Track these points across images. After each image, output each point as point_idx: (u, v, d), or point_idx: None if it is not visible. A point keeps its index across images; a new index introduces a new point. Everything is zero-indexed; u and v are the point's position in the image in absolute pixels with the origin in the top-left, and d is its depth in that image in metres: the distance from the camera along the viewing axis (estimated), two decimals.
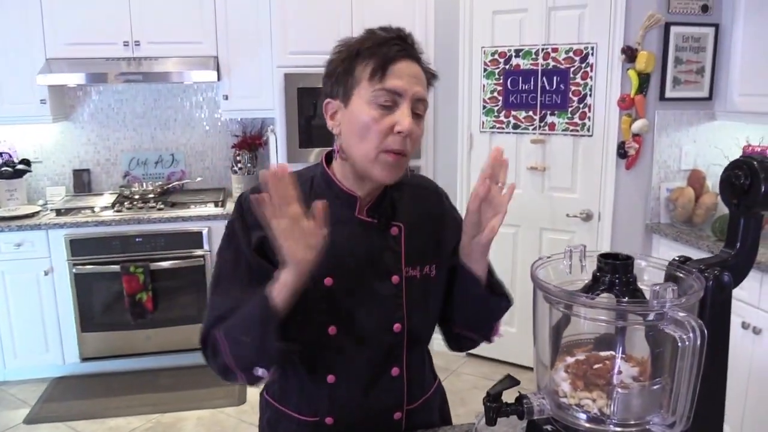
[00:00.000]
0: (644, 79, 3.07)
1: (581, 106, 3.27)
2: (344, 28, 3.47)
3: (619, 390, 0.87)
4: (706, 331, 0.79)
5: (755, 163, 0.94)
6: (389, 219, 1.22)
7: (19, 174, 3.73)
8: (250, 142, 4.09)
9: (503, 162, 1.08)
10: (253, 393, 3.35)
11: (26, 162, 3.79)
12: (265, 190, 0.96)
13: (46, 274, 3.45)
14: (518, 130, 3.50)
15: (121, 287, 3.49)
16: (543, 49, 3.33)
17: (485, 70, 3.54)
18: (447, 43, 3.62)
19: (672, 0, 3.02)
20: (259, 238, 1.15)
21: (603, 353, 0.91)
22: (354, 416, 1.25)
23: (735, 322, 2.61)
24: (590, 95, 3.24)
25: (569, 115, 3.32)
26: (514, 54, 3.43)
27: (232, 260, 1.19)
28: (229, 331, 1.11)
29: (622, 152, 3.17)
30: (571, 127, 3.32)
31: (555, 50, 3.29)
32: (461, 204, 3.61)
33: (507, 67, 3.46)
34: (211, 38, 3.71)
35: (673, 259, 0.99)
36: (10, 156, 3.77)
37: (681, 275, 0.94)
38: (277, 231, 0.99)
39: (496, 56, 3.48)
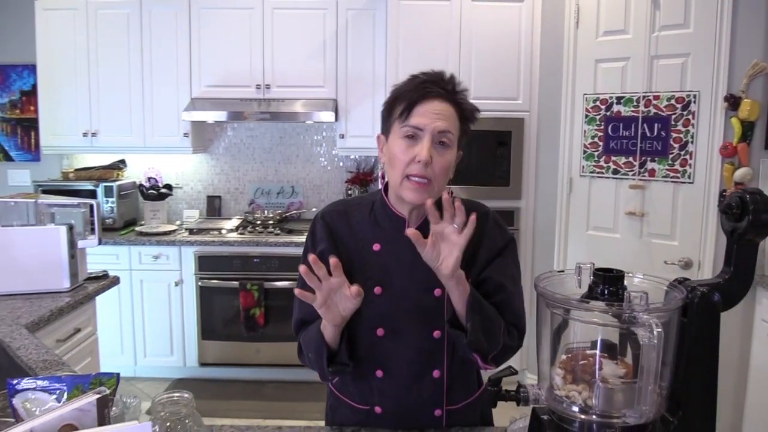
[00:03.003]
0: (748, 127, 3.03)
1: (682, 153, 3.26)
2: None
3: (601, 385, 1.00)
4: (662, 332, 0.91)
5: (747, 195, 1.05)
6: None
7: (162, 197, 4.30)
8: (363, 178, 4.41)
9: (455, 207, 1.20)
10: None
11: (169, 187, 4.36)
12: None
13: (176, 284, 3.93)
14: (618, 176, 3.53)
15: (237, 302, 3.89)
16: (644, 97, 3.37)
17: (587, 116, 3.63)
18: (550, 89, 3.76)
19: None
20: (320, 251, 1.42)
21: (590, 351, 1.04)
22: (398, 408, 1.43)
23: None
24: (692, 142, 3.23)
25: (670, 162, 3.32)
26: (615, 101, 3.50)
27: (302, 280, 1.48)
28: (303, 344, 1.43)
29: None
30: (672, 174, 3.31)
31: (656, 98, 3.33)
32: (560, 254, 3.69)
33: (608, 113, 3.53)
34: (332, 83, 4.11)
35: (675, 279, 1.11)
36: (156, 181, 4.36)
37: (672, 290, 1.06)
38: (316, 303, 1.24)
39: (598, 103, 3.57)
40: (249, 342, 3.97)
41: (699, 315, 1.03)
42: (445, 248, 1.22)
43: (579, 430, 1.04)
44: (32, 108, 4.44)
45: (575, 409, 1.04)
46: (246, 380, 4.05)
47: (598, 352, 1.01)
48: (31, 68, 4.35)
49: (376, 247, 1.40)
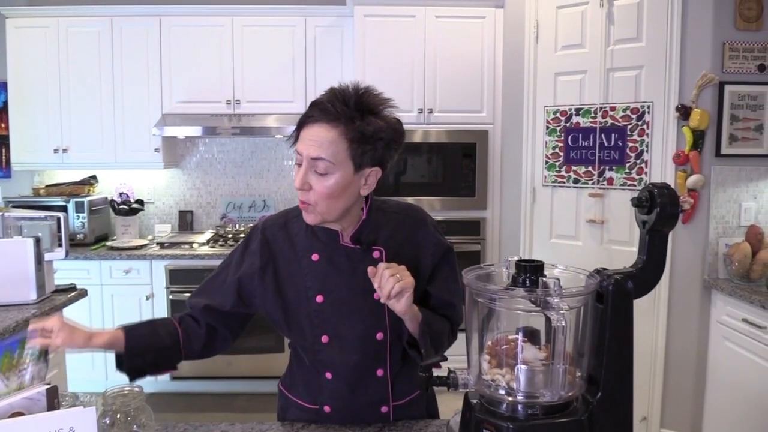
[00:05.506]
0: (699, 136, 3.16)
1: (638, 161, 3.38)
2: (417, 90, 3.82)
3: (522, 367, 1.07)
4: (569, 315, 0.99)
5: (656, 190, 1.14)
6: (370, 244, 1.43)
7: (134, 212, 4.33)
8: None
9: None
10: None
11: (140, 202, 4.39)
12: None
13: (147, 298, 3.95)
14: (578, 185, 3.64)
15: None
16: (601, 108, 3.50)
17: (548, 127, 3.75)
18: (513, 102, 3.87)
19: (726, 60, 3.12)
20: (250, 265, 1.49)
21: (511, 336, 1.11)
22: (346, 407, 1.48)
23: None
24: (647, 151, 3.35)
25: (627, 171, 3.43)
26: (574, 112, 3.62)
27: (222, 267, 1.56)
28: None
29: None
30: (629, 182, 3.43)
31: (613, 109, 3.45)
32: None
33: (568, 124, 3.65)
34: (301, 98, 4.19)
35: (594, 269, 1.19)
36: (128, 196, 4.39)
37: (589, 279, 1.14)
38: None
39: (558, 115, 3.69)
40: (220, 354, 3.98)
41: (613, 301, 1.11)
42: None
43: (506, 411, 1.11)
44: (3, 125, 4.45)
45: (501, 391, 1.11)
46: (218, 393, 4.07)
47: (519, 337, 1.08)
48: (2, 85, 4.38)
49: (315, 257, 1.44)
